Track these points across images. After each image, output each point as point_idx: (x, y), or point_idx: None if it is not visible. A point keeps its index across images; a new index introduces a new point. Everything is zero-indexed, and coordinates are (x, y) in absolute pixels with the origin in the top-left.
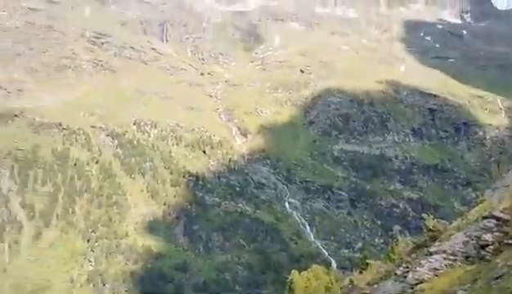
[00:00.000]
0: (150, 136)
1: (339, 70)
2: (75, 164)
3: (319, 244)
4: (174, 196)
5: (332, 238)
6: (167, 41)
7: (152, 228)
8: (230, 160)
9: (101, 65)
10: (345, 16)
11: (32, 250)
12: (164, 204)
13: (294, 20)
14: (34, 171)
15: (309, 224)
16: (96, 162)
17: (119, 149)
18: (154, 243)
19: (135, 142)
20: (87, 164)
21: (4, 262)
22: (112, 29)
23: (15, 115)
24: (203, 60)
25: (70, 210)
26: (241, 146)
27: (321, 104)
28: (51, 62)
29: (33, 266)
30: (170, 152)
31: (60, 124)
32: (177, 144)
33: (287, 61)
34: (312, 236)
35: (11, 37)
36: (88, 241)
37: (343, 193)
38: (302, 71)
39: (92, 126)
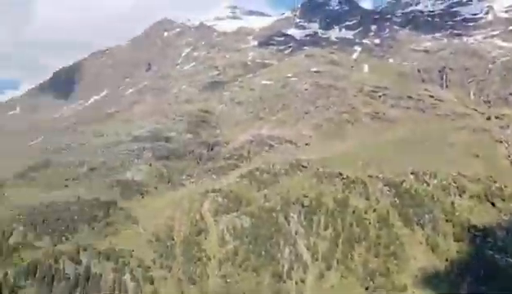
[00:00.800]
0: (429, 186)
1: None
2: (354, 212)
3: None
4: (457, 251)
5: None
6: (447, 87)
7: (433, 283)
8: None
9: (379, 117)
10: None
11: (315, 290)
12: (446, 260)
13: None
14: (318, 217)
15: None
16: (374, 211)
17: (396, 199)
18: None
19: (413, 192)
20: (365, 212)
21: None
22: (389, 82)
23: (303, 166)
24: (489, 102)
25: (349, 256)
26: None
27: None
28: (333, 117)
29: None
30: (452, 203)
31: (340, 174)
32: (460, 196)
33: None
34: None
35: (301, 98)
36: (367, 289)
37: None
38: None
39: (369, 176)
